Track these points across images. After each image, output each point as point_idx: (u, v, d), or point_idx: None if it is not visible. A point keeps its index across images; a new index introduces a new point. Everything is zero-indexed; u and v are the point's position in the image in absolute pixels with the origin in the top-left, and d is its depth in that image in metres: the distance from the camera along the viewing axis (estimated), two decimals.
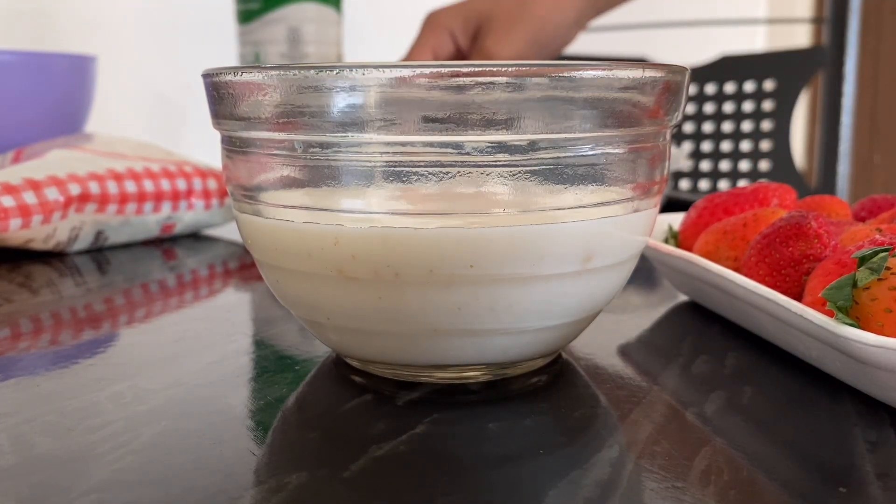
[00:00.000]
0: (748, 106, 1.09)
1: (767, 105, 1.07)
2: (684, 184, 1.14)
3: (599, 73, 0.24)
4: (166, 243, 0.54)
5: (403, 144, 0.23)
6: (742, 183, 1.10)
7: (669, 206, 0.62)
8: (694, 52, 1.26)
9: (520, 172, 0.24)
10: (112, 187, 0.50)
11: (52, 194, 0.47)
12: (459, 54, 0.65)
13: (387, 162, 0.24)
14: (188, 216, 0.55)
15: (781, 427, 0.25)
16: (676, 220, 0.40)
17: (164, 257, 0.50)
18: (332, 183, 0.25)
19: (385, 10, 1.31)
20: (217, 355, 0.30)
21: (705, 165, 1.12)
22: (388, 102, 0.23)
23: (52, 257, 0.49)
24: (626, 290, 0.41)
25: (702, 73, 1.10)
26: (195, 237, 0.57)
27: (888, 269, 0.25)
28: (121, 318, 0.37)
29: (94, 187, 0.49)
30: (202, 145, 0.82)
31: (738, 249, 0.33)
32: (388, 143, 0.23)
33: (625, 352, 0.31)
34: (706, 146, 1.12)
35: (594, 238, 0.25)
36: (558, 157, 0.24)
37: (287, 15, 0.66)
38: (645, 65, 0.25)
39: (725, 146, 1.11)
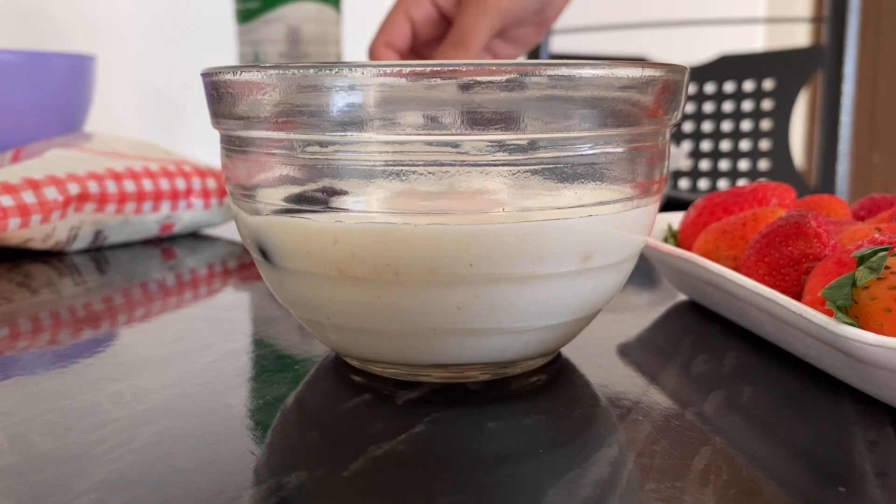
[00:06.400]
0: (747, 105, 1.09)
1: (767, 104, 1.07)
2: (683, 183, 1.14)
3: (599, 72, 0.24)
4: (165, 243, 0.54)
5: (403, 143, 0.23)
6: (741, 182, 1.10)
7: (669, 205, 0.62)
8: (693, 51, 1.26)
9: (519, 171, 0.24)
10: (111, 187, 0.50)
11: (51, 194, 0.47)
12: (442, 18, 0.59)
13: (386, 161, 0.24)
14: (187, 215, 0.55)
15: (781, 426, 0.25)
16: (676, 219, 0.40)
17: (164, 257, 0.50)
18: (331, 182, 0.25)
19: (385, 9, 1.31)
20: (216, 355, 0.30)
21: (704, 165, 1.12)
22: (388, 101, 0.23)
23: (52, 257, 0.49)
24: (626, 289, 0.41)
25: (701, 73, 1.10)
26: (194, 236, 0.57)
27: (887, 268, 0.25)
28: (120, 317, 0.37)
29: (93, 187, 0.49)
30: (201, 144, 0.82)
31: (738, 249, 0.33)
32: (387, 143, 0.23)
33: (624, 351, 0.31)
34: (705, 145, 1.12)
35: (593, 237, 0.25)
36: (558, 157, 0.24)
37: (286, 14, 0.66)
38: (644, 64, 0.25)
39: (725, 145, 1.11)
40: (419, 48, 0.61)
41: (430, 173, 0.24)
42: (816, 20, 1.25)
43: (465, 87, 0.23)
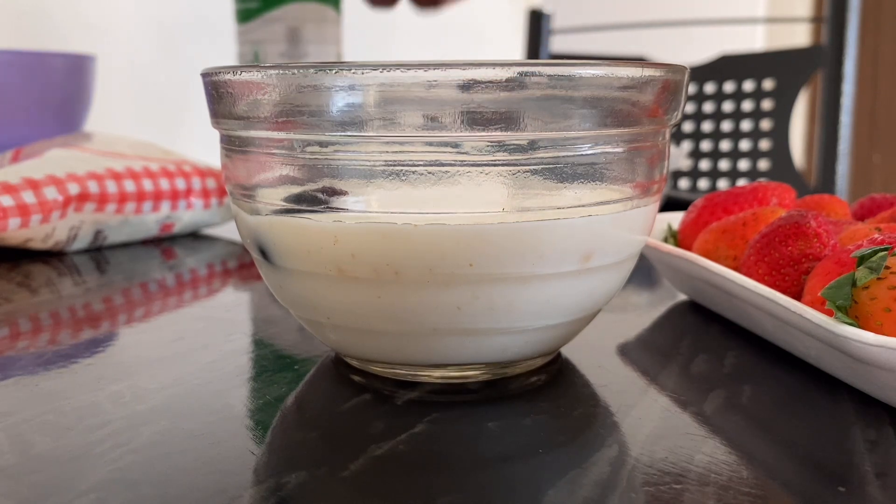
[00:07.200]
0: (747, 105, 1.09)
1: (766, 104, 1.07)
2: (683, 183, 1.14)
3: (599, 71, 0.24)
4: (165, 243, 0.54)
5: (402, 143, 0.23)
6: (741, 182, 1.10)
7: (669, 205, 0.62)
8: (693, 51, 1.26)
9: (519, 171, 0.24)
10: (111, 186, 0.50)
11: (51, 194, 0.47)
12: None
13: (386, 161, 0.24)
14: (187, 215, 0.55)
15: (781, 426, 0.25)
16: (676, 219, 0.40)
17: (163, 257, 0.50)
18: (331, 182, 0.25)
19: (384, 9, 1.31)
20: (216, 355, 0.30)
21: (704, 164, 1.12)
22: (387, 101, 0.23)
23: (51, 257, 0.49)
24: (626, 289, 0.41)
25: (701, 73, 1.10)
26: (194, 236, 0.57)
27: (887, 268, 0.25)
28: (120, 317, 0.37)
29: (92, 186, 0.49)
30: (201, 144, 0.82)
31: (738, 248, 0.33)
32: (387, 143, 0.23)
33: (624, 351, 0.31)
34: (705, 145, 1.12)
35: (593, 237, 0.25)
36: (558, 157, 0.24)
37: (286, 14, 0.66)
38: (644, 64, 0.25)
39: (724, 145, 1.11)
40: None
41: (430, 173, 0.24)
42: (816, 20, 1.25)
43: (465, 87, 0.23)
